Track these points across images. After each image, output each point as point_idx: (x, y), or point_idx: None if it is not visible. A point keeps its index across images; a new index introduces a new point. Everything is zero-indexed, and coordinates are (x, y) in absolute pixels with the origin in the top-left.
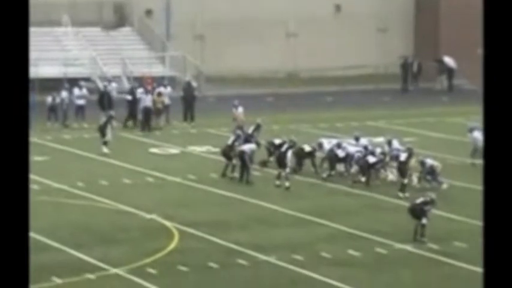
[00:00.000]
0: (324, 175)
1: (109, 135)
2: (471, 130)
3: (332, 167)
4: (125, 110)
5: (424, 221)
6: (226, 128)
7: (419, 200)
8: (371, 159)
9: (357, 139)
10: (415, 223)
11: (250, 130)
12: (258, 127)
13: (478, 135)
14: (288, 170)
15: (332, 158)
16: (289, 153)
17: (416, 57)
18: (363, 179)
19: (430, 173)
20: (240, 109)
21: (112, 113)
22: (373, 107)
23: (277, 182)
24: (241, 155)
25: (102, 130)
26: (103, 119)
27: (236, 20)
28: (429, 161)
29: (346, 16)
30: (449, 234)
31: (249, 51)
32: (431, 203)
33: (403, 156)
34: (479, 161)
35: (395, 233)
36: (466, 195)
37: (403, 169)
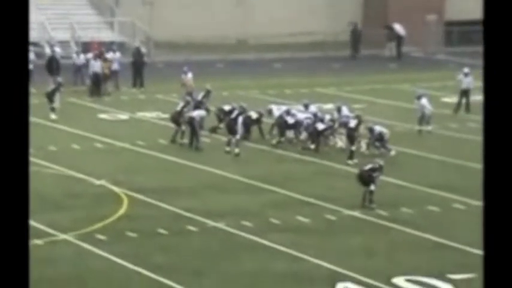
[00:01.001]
0: (274, 141)
1: (57, 102)
2: (419, 97)
3: (281, 133)
4: (72, 74)
5: (372, 187)
6: (176, 94)
7: (367, 167)
8: (320, 126)
9: (306, 106)
10: (364, 189)
11: (199, 96)
12: (207, 93)
13: (425, 102)
14: (238, 136)
15: (281, 125)
16: (240, 120)
17: (365, 24)
18: (312, 145)
19: (378, 139)
20: (190, 75)
21: (60, 79)
22: (323, 73)
23: (227, 149)
24: (191, 121)
25: (50, 96)
26: (51, 86)
27: None
28: (378, 128)
29: None
30: (396, 200)
31: (198, 17)
32: (379, 169)
33: (352, 123)
34: (427, 128)
35: (344, 199)
36: (413, 161)
37: (352, 136)
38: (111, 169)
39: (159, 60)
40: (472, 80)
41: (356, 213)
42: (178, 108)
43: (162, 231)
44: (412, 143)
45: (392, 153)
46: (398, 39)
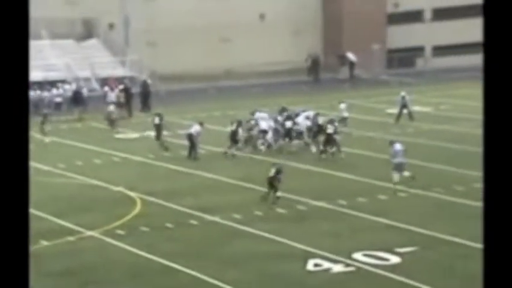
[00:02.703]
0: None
1: (47, 128)
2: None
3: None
4: (94, 105)
5: (279, 193)
6: (176, 115)
7: (272, 172)
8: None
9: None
10: (270, 193)
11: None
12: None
13: (343, 106)
14: (239, 144)
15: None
16: (240, 131)
17: (325, 53)
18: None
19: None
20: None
21: (45, 111)
22: (291, 94)
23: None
24: (189, 136)
25: (42, 123)
26: (77, 115)
27: (181, 28)
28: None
29: (269, 22)
30: (354, 192)
31: (192, 53)
32: (281, 171)
33: (330, 129)
34: (346, 130)
35: (312, 192)
36: (363, 160)
37: (331, 139)
38: (126, 178)
39: (162, 89)
40: (408, 98)
41: (322, 204)
42: (234, 128)
43: (169, 225)
44: (364, 146)
45: (343, 156)
46: (351, 65)
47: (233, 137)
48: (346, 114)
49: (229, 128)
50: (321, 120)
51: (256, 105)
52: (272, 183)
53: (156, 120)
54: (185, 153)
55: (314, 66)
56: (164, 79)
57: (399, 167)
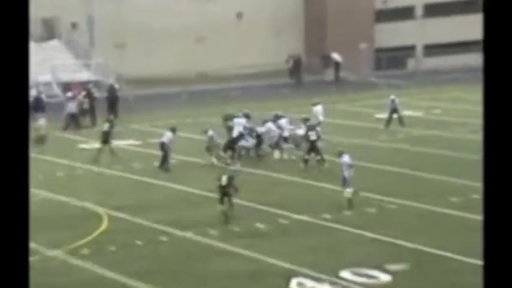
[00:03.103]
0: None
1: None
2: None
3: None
4: (54, 112)
5: (231, 201)
6: (146, 123)
7: (224, 181)
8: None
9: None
10: (226, 205)
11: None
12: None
13: (319, 109)
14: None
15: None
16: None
17: (307, 54)
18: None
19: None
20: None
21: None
22: (273, 98)
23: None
24: (162, 145)
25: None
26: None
27: (151, 28)
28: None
29: (247, 22)
30: (338, 205)
31: (163, 55)
32: (233, 178)
33: (313, 136)
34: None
35: (293, 205)
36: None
37: (314, 147)
38: (91, 192)
39: (130, 94)
40: (398, 101)
41: (305, 217)
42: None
43: (138, 242)
44: (350, 155)
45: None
46: (336, 66)
47: (230, 145)
48: (321, 117)
49: (207, 135)
50: (300, 130)
51: (234, 111)
52: (226, 193)
53: (106, 127)
54: (156, 163)
55: (296, 68)
56: (133, 83)
57: (345, 182)
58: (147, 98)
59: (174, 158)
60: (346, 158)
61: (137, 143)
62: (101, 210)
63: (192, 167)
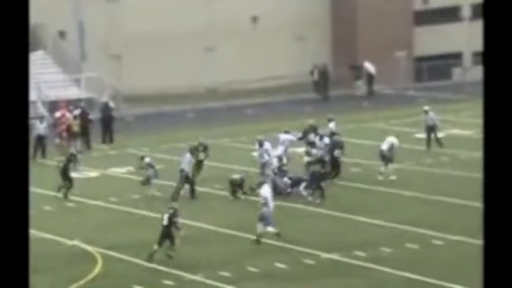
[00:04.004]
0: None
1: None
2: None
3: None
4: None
5: (177, 241)
6: (147, 147)
7: (166, 219)
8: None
9: (260, 144)
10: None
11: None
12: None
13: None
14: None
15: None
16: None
17: (335, 64)
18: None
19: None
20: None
21: None
22: (295, 117)
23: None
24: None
25: None
26: None
27: (151, 36)
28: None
29: (263, 27)
30: (375, 240)
31: (166, 67)
32: (176, 215)
33: (338, 153)
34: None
35: (321, 242)
36: (387, 199)
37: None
38: (83, 228)
39: (128, 114)
40: (433, 116)
41: (334, 256)
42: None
43: (138, 287)
44: (385, 181)
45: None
46: (369, 78)
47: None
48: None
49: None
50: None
51: (249, 132)
52: (168, 234)
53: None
54: (157, 193)
55: (322, 81)
56: (131, 101)
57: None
58: (148, 118)
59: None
60: (265, 190)
61: (136, 170)
62: (93, 249)
63: (202, 198)
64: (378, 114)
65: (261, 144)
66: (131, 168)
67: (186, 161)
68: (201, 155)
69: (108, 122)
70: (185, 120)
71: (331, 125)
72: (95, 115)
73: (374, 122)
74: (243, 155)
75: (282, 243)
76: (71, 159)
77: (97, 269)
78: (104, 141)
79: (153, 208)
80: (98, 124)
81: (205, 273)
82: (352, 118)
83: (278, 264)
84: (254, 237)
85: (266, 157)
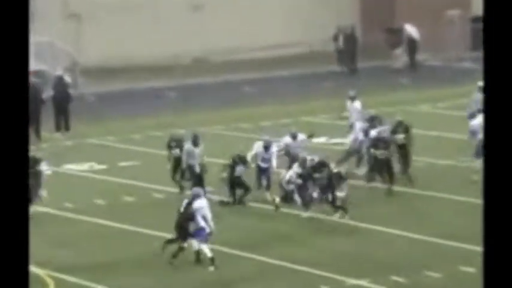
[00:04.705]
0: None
1: None
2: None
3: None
4: None
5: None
6: (114, 136)
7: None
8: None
9: (294, 137)
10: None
11: None
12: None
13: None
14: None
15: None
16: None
17: (365, 27)
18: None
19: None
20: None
21: None
22: (309, 97)
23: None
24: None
25: None
26: None
27: None
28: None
29: None
30: (420, 261)
31: (140, 31)
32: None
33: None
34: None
35: (346, 264)
36: (441, 206)
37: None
38: (31, 245)
39: (89, 92)
40: None
41: (364, 282)
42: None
43: None
44: (444, 183)
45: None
46: (411, 45)
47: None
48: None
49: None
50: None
51: (250, 117)
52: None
53: None
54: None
55: (348, 49)
56: (93, 75)
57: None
58: (115, 98)
59: (162, 191)
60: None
61: (100, 167)
62: (43, 272)
63: None
64: (421, 94)
65: (294, 137)
66: (94, 164)
67: (189, 153)
68: (175, 152)
69: (63, 103)
70: (165, 100)
71: (357, 104)
72: (46, 94)
73: (416, 103)
74: (243, 147)
75: (291, 264)
76: None
77: None
78: (57, 129)
79: (122, 218)
80: (49, 106)
81: None
82: (387, 98)
83: None
84: (257, 256)
85: (304, 152)
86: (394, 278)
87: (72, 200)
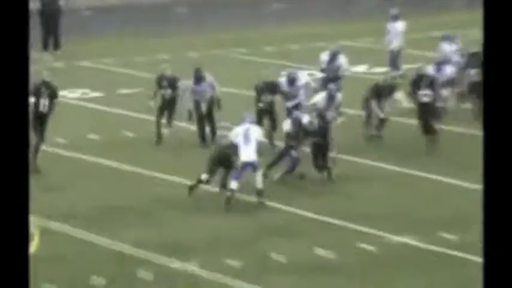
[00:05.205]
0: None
1: None
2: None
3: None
4: None
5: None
6: (111, 58)
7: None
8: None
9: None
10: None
11: None
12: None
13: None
14: None
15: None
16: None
17: None
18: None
19: None
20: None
21: None
22: (349, 15)
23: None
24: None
25: None
26: None
27: None
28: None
29: None
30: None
31: None
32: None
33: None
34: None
35: (387, 217)
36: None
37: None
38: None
39: (83, 4)
40: None
41: (406, 239)
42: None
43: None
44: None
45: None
46: None
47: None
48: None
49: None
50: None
51: (276, 38)
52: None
53: None
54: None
55: None
56: None
57: None
58: (113, 13)
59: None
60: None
61: (95, 94)
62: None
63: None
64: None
65: (333, 56)
66: (88, 91)
67: (196, 89)
68: (167, 93)
69: (52, 18)
70: (173, 17)
71: (400, 26)
72: (32, 5)
73: (474, 26)
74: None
75: (326, 217)
76: None
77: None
78: (45, 47)
79: (125, 157)
80: (36, 21)
81: (200, 259)
82: (441, 20)
83: (318, 250)
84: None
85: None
86: (443, 234)
87: (62, 134)
